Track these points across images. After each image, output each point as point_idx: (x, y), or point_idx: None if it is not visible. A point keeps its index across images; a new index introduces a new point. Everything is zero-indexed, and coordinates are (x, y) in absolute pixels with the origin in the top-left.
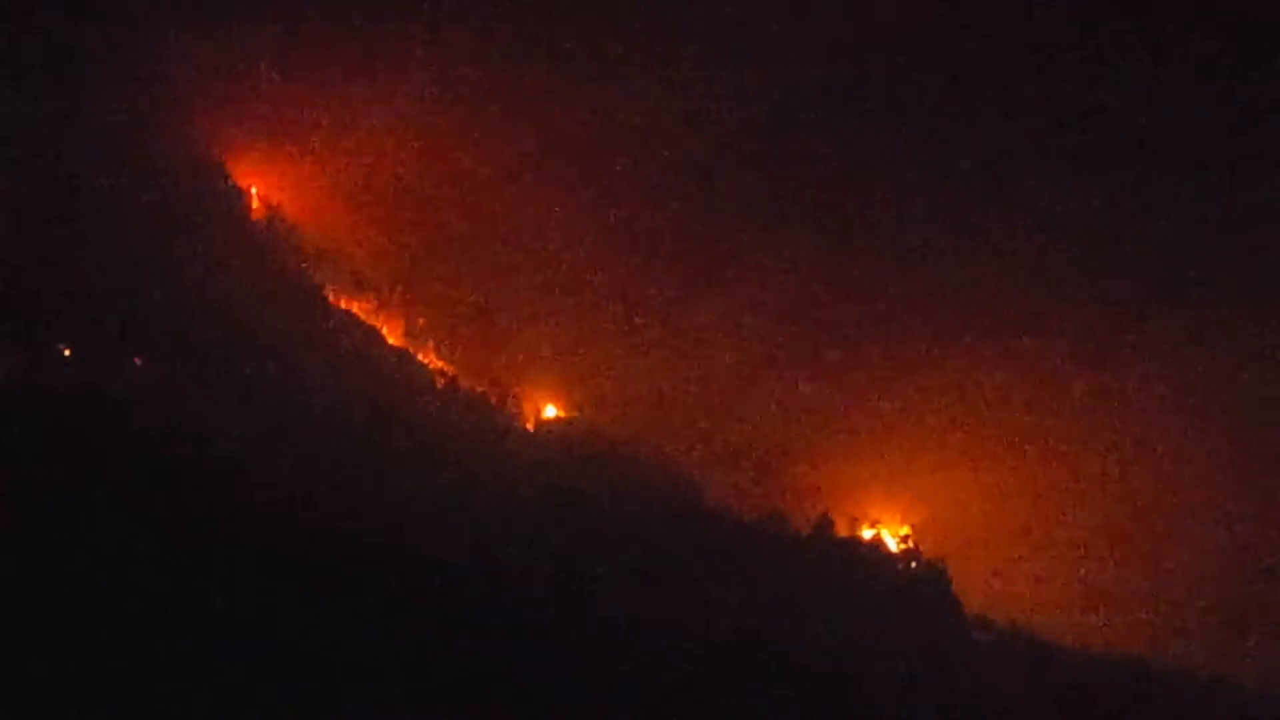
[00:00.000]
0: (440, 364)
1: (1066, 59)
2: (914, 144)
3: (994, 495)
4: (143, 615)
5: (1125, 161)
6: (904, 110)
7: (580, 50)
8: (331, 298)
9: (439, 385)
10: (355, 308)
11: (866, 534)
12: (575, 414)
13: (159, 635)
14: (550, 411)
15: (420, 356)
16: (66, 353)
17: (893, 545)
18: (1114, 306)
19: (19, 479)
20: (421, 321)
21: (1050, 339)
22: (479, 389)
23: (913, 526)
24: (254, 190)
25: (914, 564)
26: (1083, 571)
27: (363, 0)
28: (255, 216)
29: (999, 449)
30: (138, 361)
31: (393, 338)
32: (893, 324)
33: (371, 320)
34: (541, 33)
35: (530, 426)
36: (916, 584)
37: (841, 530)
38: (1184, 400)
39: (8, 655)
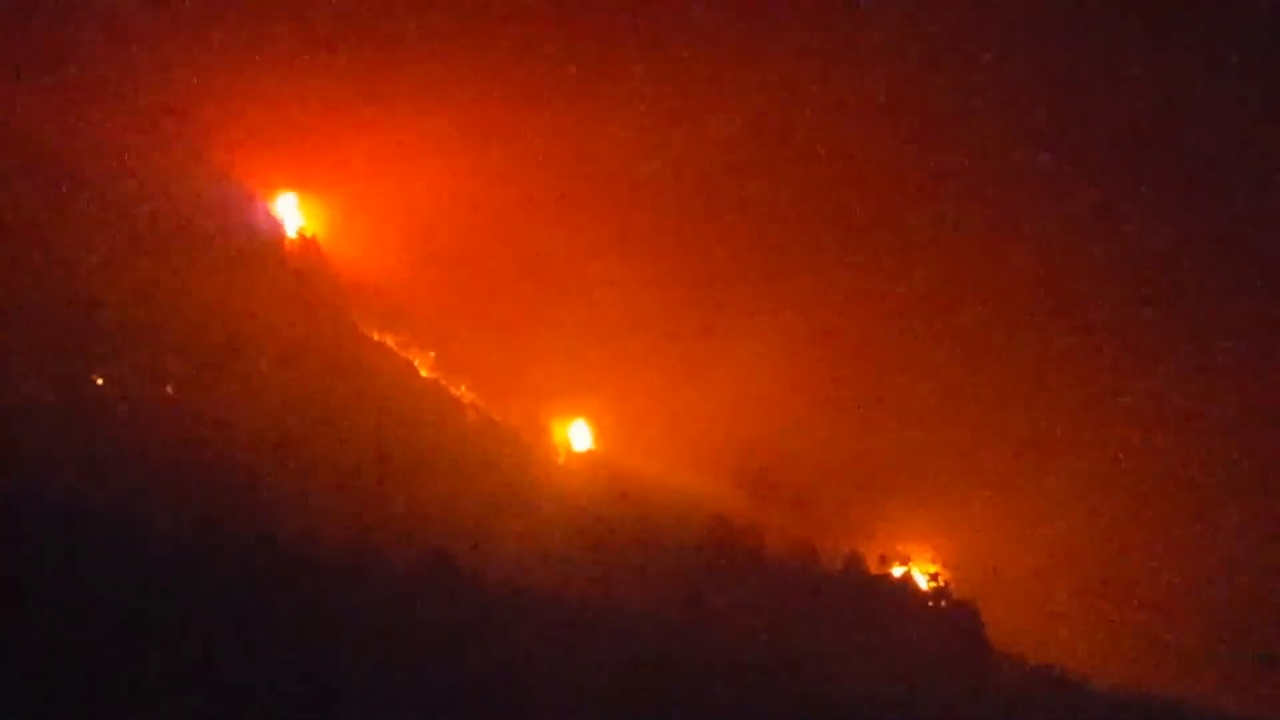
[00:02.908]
0: (472, 397)
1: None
2: (963, 175)
3: (1028, 533)
4: (173, 647)
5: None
6: (961, 140)
7: (622, 79)
8: (363, 329)
9: (471, 418)
10: (388, 339)
11: (896, 572)
12: (606, 447)
13: (190, 668)
14: (581, 444)
15: (452, 389)
16: (99, 381)
17: (923, 583)
18: (1163, 342)
19: (51, 506)
20: (453, 354)
21: (1092, 375)
22: (511, 422)
23: (944, 564)
24: (288, 221)
25: (944, 602)
26: (1119, 610)
27: (402, 36)
28: (289, 247)
29: (1034, 486)
30: (170, 390)
31: (425, 370)
32: (930, 358)
33: (404, 352)
34: (580, 63)
35: (561, 460)
36: (946, 623)
37: (872, 567)
38: (1236, 437)
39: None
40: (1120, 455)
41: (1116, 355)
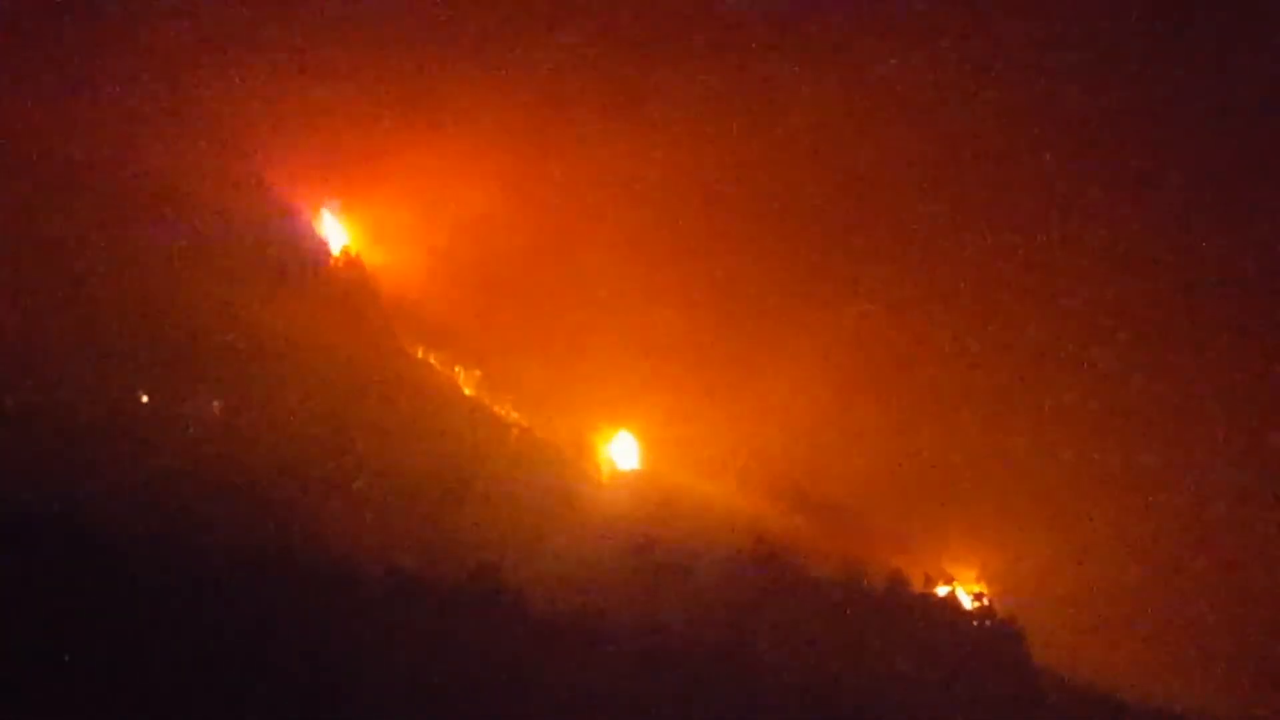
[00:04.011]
0: (516, 415)
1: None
2: (997, 196)
3: (1072, 551)
4: (219, 661)
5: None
6: (991, 161)
7: (661, 100)
8: (407, 347)
9: (514, 437)
10: (431, 358)
11: (941, 591)
12: (649, 464)
13: (234, 681)
14: (624, 463)
15: (495, 408)
16: (145, 399)
17: (967, 603)
18: (1218, 369)
19: (97, 522)
20: (497, 372)
21: (1139, 397)
22: (554, 440)
23: (988, 581)
24: (333, 239)
25: (987, 622)
26: (1164, 629)
27: (448, 60)
28: (334, 265)
29: (1078, 505)
30: (215, 407)
31: (468, 388)
32: (975, 378)
33: (447, 371)
34: (623, 86)
35: (604, 478)
36: (990, 642)
37: (916, 586)
38: None
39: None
40: (1168, 474)
41: (1166, 378)
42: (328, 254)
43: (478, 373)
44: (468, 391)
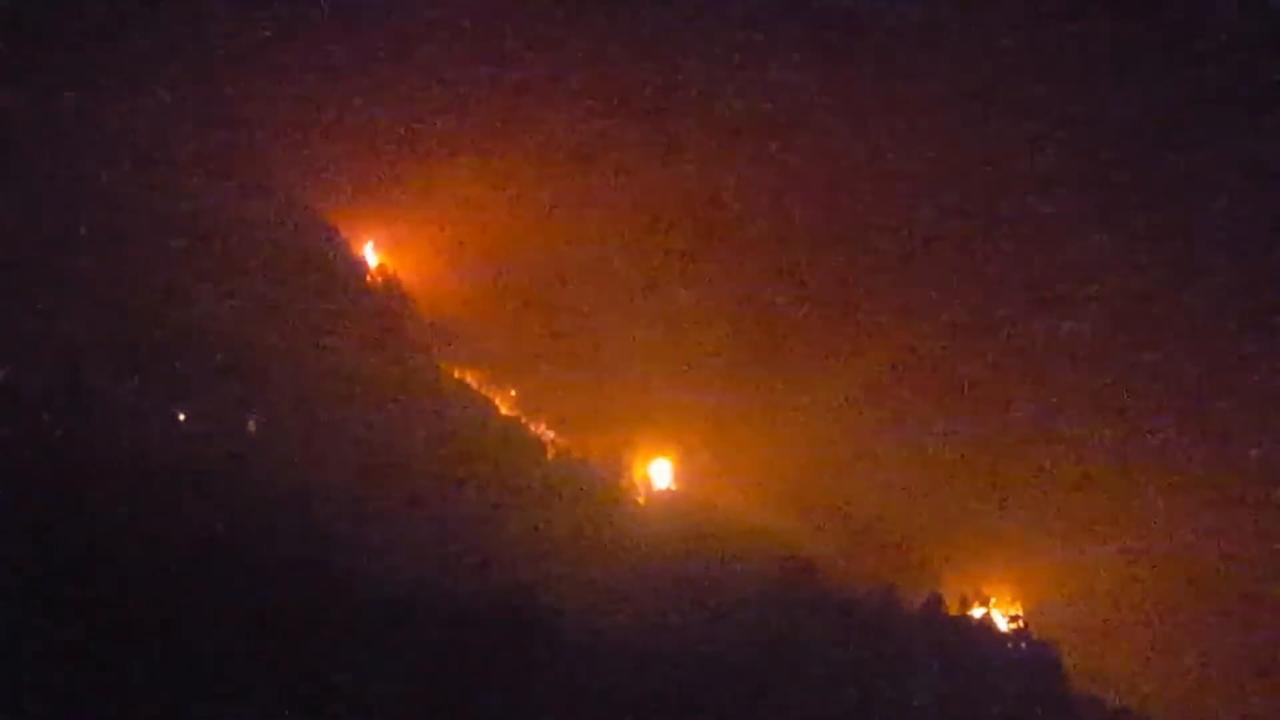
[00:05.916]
0: (552, 435)
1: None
2: (1043, 219)
3: (1112, 576)
4: (252, 671)
5: None
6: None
7: (702, 124)
8: (445, 367)
9: (550, 456)
10: (468, 377)
11: (977, 613)
12: (686, 486)
13: (268, 694)
14: (661, 483)
15: (532, 427)
16: (181, 418)
17: (1003, 625)
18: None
19: (132, 541)
20: (533, 392)
21: (1182, 416)
22: (591, 461)
23: (1025, 602)
24: (370, 258)
25: (1024, 644)
26: (1203, 657)
27: (484, 83)
28: (371, 285)
29: (1118, 528)
30: (251, 425)
31: (504, 407)
32: (1010, 399)
33: (484, 390)
34: (664, 109)
35: (641, 500)
36: (1026, 665)
37: (952, 609)
38: None
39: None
40: (1213, 497)
41: (1214, 399)
42: (364, 272)
43: (513, 392)
44: (504, 410)
